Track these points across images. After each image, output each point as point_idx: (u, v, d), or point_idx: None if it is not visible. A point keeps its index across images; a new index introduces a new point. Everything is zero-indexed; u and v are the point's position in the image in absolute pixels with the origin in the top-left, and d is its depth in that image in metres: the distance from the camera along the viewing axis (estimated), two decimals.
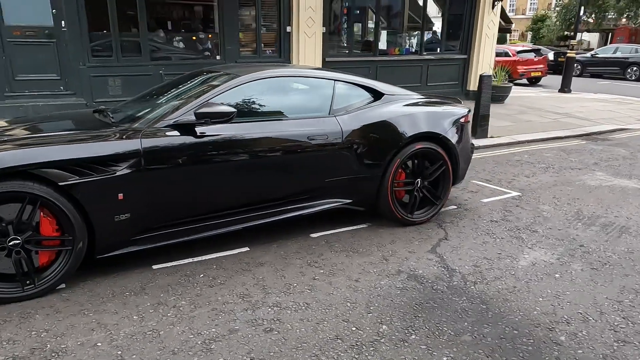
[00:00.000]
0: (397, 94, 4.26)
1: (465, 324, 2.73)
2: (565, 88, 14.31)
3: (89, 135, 3.04)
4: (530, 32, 38.10)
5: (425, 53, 11.19)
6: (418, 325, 2.71)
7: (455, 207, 4.71)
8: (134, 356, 2.39)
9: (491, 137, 7.92)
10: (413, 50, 11.20)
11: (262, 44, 9.33)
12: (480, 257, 3.59)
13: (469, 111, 4.56)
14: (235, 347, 2.48)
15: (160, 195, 3.17)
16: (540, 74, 17.45)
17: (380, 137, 3.90)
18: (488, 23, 11.22)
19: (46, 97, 7.76)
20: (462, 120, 4.36)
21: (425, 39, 11.16)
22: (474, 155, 6.77)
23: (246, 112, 3.57)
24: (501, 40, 38.12)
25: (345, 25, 10.59)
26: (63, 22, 7.63)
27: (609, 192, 5.23)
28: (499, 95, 11.41)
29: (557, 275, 3.32)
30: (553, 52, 21.99)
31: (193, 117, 3.19)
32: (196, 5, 8.97)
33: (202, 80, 3.78)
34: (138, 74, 8.25)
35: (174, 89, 3.80)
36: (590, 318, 2.81)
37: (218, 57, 8.94)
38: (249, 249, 3.65)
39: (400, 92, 4.33)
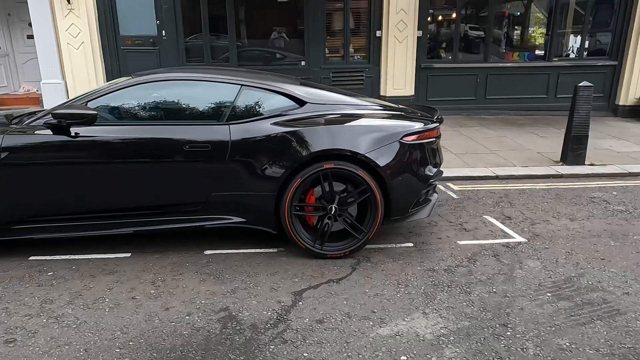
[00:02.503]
0: (326, 102, 3.62)
1: None
2: None
3: None
4: None
5: (555, 58, 9.32)
6: None
7: (412, 244, 3.81)
8: None
9: (590, 164, 6.18)
10: (538, 55, 9.42)
11: (351, 49, 9.00)
12: (342, 312, 2.82)
13: (429, 128, 3.61)
14: None
15: (26, 189, 3.30)
16: None
17: (275, 151, 3.37)
18: None
19: None
20: (407, 139, 3.48)
21: (556, 41, 9.29)
22: (537, 185, 5.41)
23: (128, 115, 3.49)
24: None
25: (448, 28, 9.50)
26: (164, 31, 8.59)
27: None
28: None
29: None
30: None
31: (52, 118, 3.25)
32: (284, 10, 9.11)
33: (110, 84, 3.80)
34: None
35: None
36: None
37: (303, 63, 8.94)
38: (130, 255, 3.56)
39: (334, 99, 3.68)
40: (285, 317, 2.77)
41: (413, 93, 9.00)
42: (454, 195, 5.08)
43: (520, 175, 5.84)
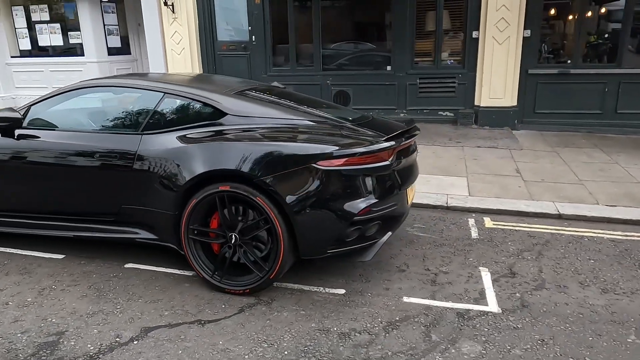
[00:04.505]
0: (248, 115, 3.12)
1: None
2: None
3: None
4: None
5: None
6: None
7: (344, 292, 3.09)
8: None
9: None
10: None
11: (443, 53, 8.00)
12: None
13: (362, 152, 2.84)
14: None
15: None
16: None
17: (173, 167, 3.02)
18: None
19: None
20: (325, 164, 2.79)
21: None
22: (609, 234, 4.02)
23: (54, 121, 3.50)
24: None
25: (567, 25, 7.74)
26: (253, 37, 8.78)
27: None
28: None
29: None
30: None
31: None
32: (369, 13, 8.51)
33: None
34: (308, 83, 8.55)
35: None
36: None
37: (388, 68, 8.26)
38: (63, 257, 3.60)
39: (260, 113, 3.15)
40: (100, 357, 2.45)
41: (515, 104, 7.61)
42: (475, 234, 4.05)
43: (594, 217, 4.42)
